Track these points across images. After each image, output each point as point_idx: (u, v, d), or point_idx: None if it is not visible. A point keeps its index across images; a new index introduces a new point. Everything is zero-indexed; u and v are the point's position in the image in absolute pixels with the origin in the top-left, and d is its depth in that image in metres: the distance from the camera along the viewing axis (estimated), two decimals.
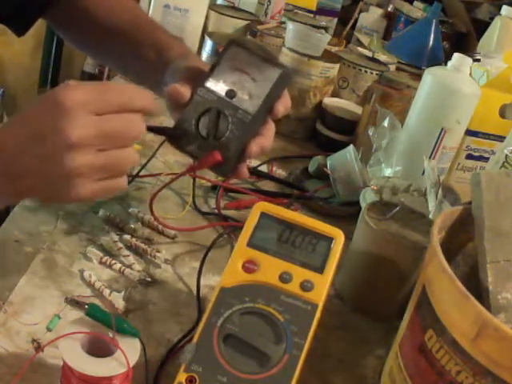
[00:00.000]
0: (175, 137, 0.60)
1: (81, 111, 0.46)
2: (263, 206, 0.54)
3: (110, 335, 0.45)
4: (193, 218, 0.74)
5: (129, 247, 0.65)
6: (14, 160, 0.47)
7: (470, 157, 0.88)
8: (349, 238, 0.61)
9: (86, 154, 0.46)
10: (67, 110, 0.45)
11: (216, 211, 0.76)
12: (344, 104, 1.09)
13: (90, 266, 0.61)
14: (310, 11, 1.48)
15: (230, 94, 0.58)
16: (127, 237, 0.66)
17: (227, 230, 0.72)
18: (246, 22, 1.22)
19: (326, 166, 0.84)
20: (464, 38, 1.62)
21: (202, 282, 0.62)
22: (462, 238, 0.54)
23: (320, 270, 0.50)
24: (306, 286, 0.49)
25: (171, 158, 0.84)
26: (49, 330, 0.51)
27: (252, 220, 0.53)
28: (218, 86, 0.59)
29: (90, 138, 0.46)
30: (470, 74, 0.81)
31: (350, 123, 1.03)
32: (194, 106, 0.59)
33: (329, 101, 1.08)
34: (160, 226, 0.69)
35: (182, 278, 0.63)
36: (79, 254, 0.62)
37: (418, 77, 1.04)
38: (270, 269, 0.50)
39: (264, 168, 0.92)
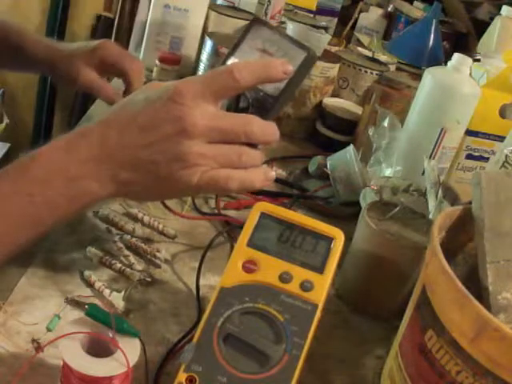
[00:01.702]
0: None
1: (200, 102, 0.48)
2: (263, 206, 0.54)
3: (110, 335, 0.45)
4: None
5: (129, 247, 0.65)
6: (116, 152, 0.47)
7: (469, 157, 0.88)
8: (349, 238, 0.61)
9: (202, 142, 0.48)
10: (184, 99, 0.48)
11: (216, 211, 0.76)
12: (344, 104, 1.09)
13: (90, 266, 0.61)
14: (310, 11, 1.48)
15: None
16: (127, 237, 0.66)
17: (226, 229, 0.72)
18: (245, 22, 1.22)
19: (326, 166, 0.84)
20: (464, 38, 1.62)
21: (202, 282, 0.62)
22: (461, 238, 0.54)
23: (320, 270, 0.50)
24: (306, 286, 0.49)
25: None
26: (49, 330, 0.51)
27: (252, 220, 0.53)
28: None
29: (208, 128, 0.48)
30: (470, 74, 0.81)
31: (350, 123, 1.03)
32: None
33: (329, 101, 1.08)
34: (160, 226, 0.69)
35: (181, 278, 0.63)
36: (79, 253, 0.62)
37: (418, 77, 1.04)
38: (270, 269, 0.50)
39: None
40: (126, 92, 0.74)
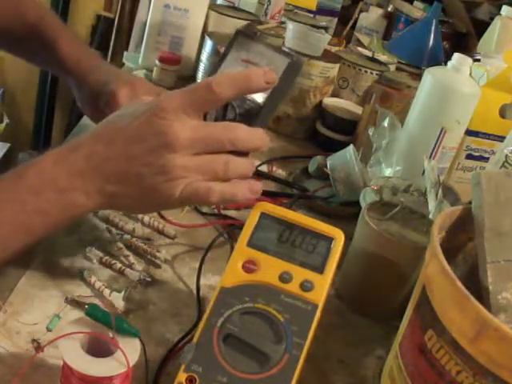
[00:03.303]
0: None
1: (182, 115, 0.49)
2: (263, 206, 0.54)
3: (110, 335, 0.45)
4: (193, 218, 0.74)
5: (129, 247, 0.65)
6: (102, 164, 0.49)
7: (469, 157, 0.88)
8: (349, 238, 0.61)
9: (185, 155, 0.49)
10: (167, 114, 0.49)
11: (216, 211, 0.76)
12: (344, 104, 1.09)
13: (90, 266, 0.61)
14: (310, 11, 1.48)
15: None
16: (127, 237, 0.66)
17: (227, 229, 0.72)
18: (245, 22, 1.22)
19: (326, 166, 0.84)
20: (464, 38, 1.62)
21: (202, 281, 0.62)
22: (461, 238, 0.54)
23: (320, 270, 0.50)
24: (306, 286, 0.49)
25: None
26: (49, 330, 0.51)
27: (252, 220, 0.53)
28: None
29: (191, 141, 0.49)
30: (470, 74, 0.81)
31: (350, 123, 1.03)
32: None
33: (329, 101, 1.08)
34: (160, 226, 0.69)
35: (181, 278, 0.63)
36: (79, 253, 0.62)
37: (417, 77, 1.04)
38: (270, 269, 0.50)
39: (264, 168, 0.92)
40: None
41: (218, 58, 0.60)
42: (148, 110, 0.50)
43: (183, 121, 0.49)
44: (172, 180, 0.49)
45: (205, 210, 0.76)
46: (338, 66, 1.09)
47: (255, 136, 0.52)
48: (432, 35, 1.42)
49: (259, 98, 0.56)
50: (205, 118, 0.55)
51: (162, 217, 0.68)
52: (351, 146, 0.84)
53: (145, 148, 0.49)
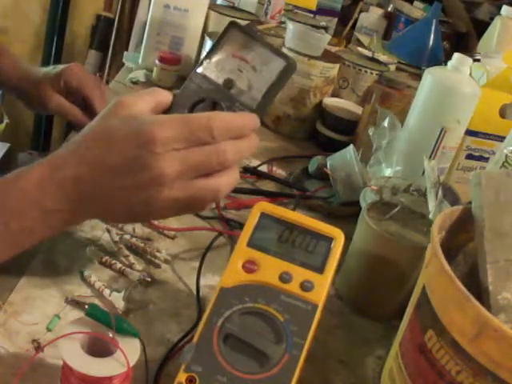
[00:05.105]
0: None
1: (170, 148, 0.48)
2: (263, 206, 0.54)
3: (110, 335, 0.45)
4: (192, 220, 0.74)
5: (129, 247, 0.65)
6: (88, 191, 0.48)
7: (469, 157, 0.88)
8: (349, 238, 0.61)
9: (173, 188, 0.49)
10: (155, 147, 0.47)
11: (216, 211, 0.76)
12: (344, 104, 1.09)
13: (90, 266, 0.61)
14: (310, 11, 1.48)
15: (228, 83, 0.53)
16: (127, 237, 0.66)
17: (226, 229, 0.72)
18: (245, 22, 1.22)
19: (326, 166, 0.84)
20: (464, 38, 1.63)
21: (202, 282, 0.62)
22: (462, 238, 0.54)
23: (320, 270, 0.50)
24: (306, 286, 0.49)
25: None
26: (49, 330, 0.51)
27: (252, 220, 0.53)
28: (214, 74, 0.54)
29: (178, 173, 0.48)
30: (470, 74, 0.81)
31: (349, 123, 1.03)
32: (188, 94, 0.54)
33: (329, 101, 1.08)
34: (160, 226, 0.69)
35: (181, 278, 0.63)
36: (79, 254, 0.62)
37: (417, 77, 1.04)
38: (270, 269, 0.50)
39: (264, 168, 0.92)
40: (92, 117, 0.76)
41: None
42: (136, 137, 0.47)
43: (171, 154, 0.48)
44: (159, 210, 0.50)
45: (204, 213, 0.76)
46: (338, 66, 1.09)
47: (244, 151, 0.51)
48: (432, 35, 1.42)
49: (249, 100, 0.53)
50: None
51: (157, 226, 0.69)
52: (351, 146, 0.84)
53: (132, 180, 0.47)
